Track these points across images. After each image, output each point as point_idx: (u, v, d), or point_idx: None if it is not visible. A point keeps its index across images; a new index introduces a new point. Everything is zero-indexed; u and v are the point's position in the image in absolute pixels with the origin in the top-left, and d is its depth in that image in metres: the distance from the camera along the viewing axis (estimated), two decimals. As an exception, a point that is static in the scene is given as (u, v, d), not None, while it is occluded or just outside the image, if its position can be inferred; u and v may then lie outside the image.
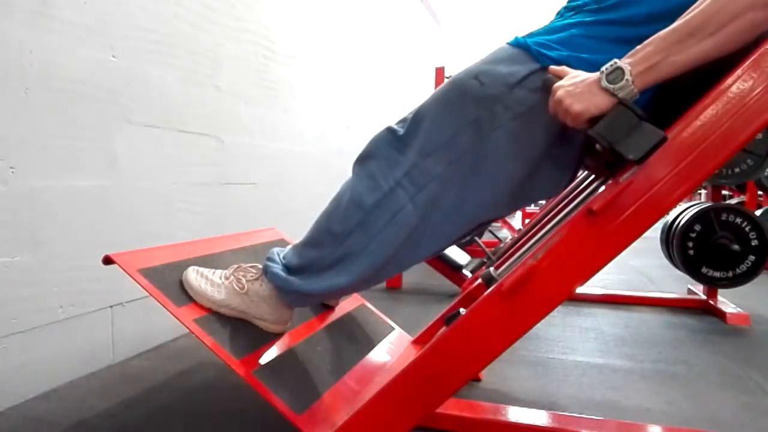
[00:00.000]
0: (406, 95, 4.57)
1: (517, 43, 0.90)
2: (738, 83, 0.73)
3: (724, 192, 3.63)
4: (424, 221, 0.91)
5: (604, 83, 0.74)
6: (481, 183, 0.90)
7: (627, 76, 0.73)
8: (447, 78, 3.12)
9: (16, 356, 1.25)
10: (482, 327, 0.81)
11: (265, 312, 1.06)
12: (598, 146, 0.77)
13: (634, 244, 0.80)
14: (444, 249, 1.02)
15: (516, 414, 1.12)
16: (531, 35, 0.92)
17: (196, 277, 1.08)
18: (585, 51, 0.85)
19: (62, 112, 1.34)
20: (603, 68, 0.74)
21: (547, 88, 0.81)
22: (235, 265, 1.11)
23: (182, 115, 1.76)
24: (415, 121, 0.93)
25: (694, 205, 2.22)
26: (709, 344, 1.77)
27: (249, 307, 1.06)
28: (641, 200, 0.76)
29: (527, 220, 4.43)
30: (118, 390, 1.33)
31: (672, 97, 0.87)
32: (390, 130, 0.96)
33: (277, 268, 1.02)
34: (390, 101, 4.14)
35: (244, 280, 1.07)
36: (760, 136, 2.06)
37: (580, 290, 2.30)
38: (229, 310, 1.06)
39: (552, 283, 0.79)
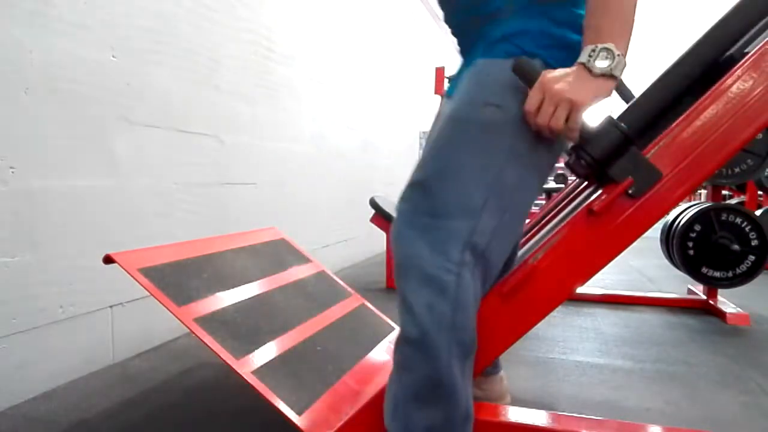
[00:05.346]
0: (406, 95, 4.57)
1: (511, 52, 0.78)
2: (738, 83, 0.73)
3: (724, 192, 3.63)
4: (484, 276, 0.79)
5: (598, 68, 0.67)
6: (522, 213, 0.81)
7: (616, 54, 0.67)
8: (447, 78, 3.12)
9: (16, 356, 1.25)
10: (482, 327, 0.81)
11: None
12: (583, 162, 0.76)
13: (634, 244, 0.80)
14: None
15: (516, 414, 1.12)
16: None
17: None
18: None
19: (62, 112, 1.34)
20: (583, 55, 0.68)
21: (525, 78, 0.71)
22: None
23: (182, 115, 1.76)
24: (442, 184, 0.77)
25: (694, 205, 2.22)
26: (709, 344, 1.77)
27: None
28: (641, 200, 0.76)
29: (527, 220, 4.42)
30: (118, 390, 1.33)
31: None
32: (410, 224, 0.77)
33: None
34: (390, 101, 4.14)
35: None
36: (760, 136, 2.06)
37: (580, 290, 2.30)
38: None
39: (552, 283, 0.79)
